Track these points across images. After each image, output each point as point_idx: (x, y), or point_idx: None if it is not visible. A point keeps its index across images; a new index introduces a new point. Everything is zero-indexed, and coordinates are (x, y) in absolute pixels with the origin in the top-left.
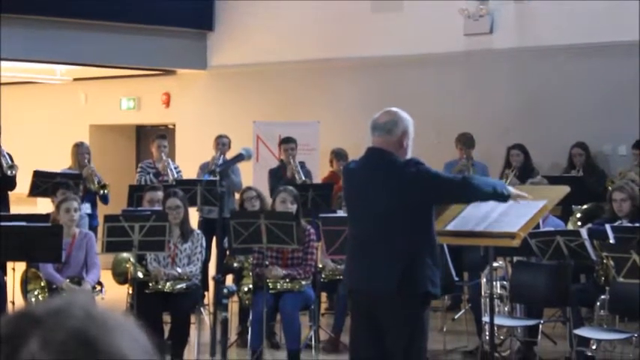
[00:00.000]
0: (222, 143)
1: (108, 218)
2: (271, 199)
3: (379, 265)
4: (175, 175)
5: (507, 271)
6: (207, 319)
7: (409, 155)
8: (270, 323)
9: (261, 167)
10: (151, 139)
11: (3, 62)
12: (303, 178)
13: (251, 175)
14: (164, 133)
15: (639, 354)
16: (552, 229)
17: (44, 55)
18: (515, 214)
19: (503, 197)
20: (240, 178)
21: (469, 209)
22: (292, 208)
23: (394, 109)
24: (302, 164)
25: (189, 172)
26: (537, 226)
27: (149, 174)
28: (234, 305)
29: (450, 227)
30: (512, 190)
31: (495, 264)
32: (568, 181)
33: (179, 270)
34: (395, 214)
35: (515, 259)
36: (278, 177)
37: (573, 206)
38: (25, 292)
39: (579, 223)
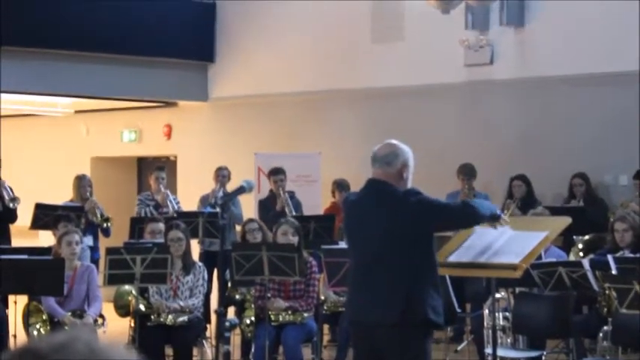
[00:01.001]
0: (222, 175)
1: (110, 251)
2: (269, 230)
3: (381, 295)
4: (175, 207)
5: (510, 302)
6: (209, 351)
7: (409, 187)
8: (272, 356)
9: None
10: (149, 171)
11: (4, 95)
12: (294, 212)
13: (252, 207)
14: (162, 165)
15: None
16: (554, 259)
17: (45, 87)
18: (516, 245)
19: (497, 218)
20: (240, 210)
21: (470, 240)
22: (294, 240)
23: (394, 141)
24: (292, 194)
25: (191, 204)
26: (539, 257)
27: (148, 206)
28: (236, 338)
29: (451, 259)
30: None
31: (498, 295)
32: (570, 212)
33: (181, 303)
34: (396, 245)
35: (517, 290)
36: (267, 208)
37: (575, 237)
38: (26, 325)
39: (581, 254)
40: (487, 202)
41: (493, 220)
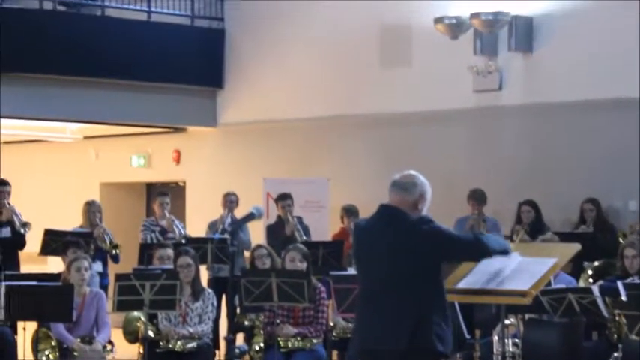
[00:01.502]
0: (230, 201)
1: (119, 277)
2: (277, 255)
3: (389, 324)
4: (182, 232)
5: (519, 328)
6: None
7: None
8: None
9: None
10: (153, 196)
11: (13, 120)
12: (304, 237)
13: (261, 233)
14: (166, 191)
15: None
16: (563, 286)
17: (54, 113)
18: (526, 271)
19: (506, 254)
20: (249, 236)
21: (480, 267)
22: (301, 266)
23: (415, 172)
24: (299, 219)
25: (200, 230)
26: (548, 283)
27: (153, 232)
28: None
29: (460, 285)
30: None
31: (507, 321)
32: (579, 238)
33: (190, 329)
34: (405, 272)
35: (527, 316)
36: (276, 234)
37: (584, 263)
38: (36, 351)
39: (590, 280)
40: (499, 238)
41: (503, 255)
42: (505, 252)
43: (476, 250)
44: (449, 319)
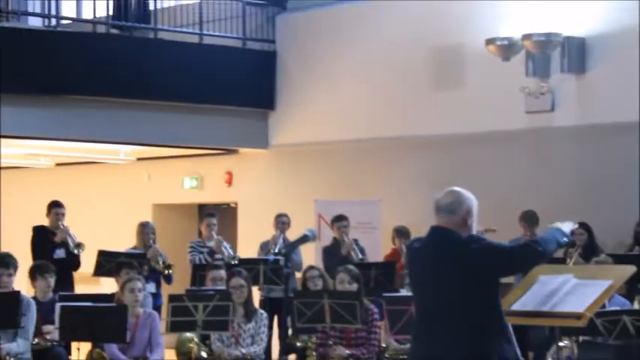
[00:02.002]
0: (282, 222)
1: (172, 298)
2: (329, 277)
3: (446, 344)
4: (230, 253)
5: (573, 350)
6: None
7: (473, 231)
8: None
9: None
10: (198, 217)
11: (68, 143)
12: (360, 256)
13: (313, 254)
14: (213, 212)
15: None
16: (618, 308)
17: (108, 135)
18: (580, 294)
19: (567, 243)
20: (300, 258)
21: (534, 289)
22: (351, 287)
23: (457, 188)
24: (355, 242)
25: (252, 251)
26: (603, 306)
27: (202, 253)
28: None
29: (514, 307)
30: (567, 230)
31: (561, 343)
32: (633, 260)
33: (243, 350)
34: (462, 293)
35: (581, 338)
36: (332, 255)
37: (639, 285)
38: None
39: None
40: (552, 233)
41: (562, 246)
42: (561, 244)
43: (531, 254)
44: (510, 336)
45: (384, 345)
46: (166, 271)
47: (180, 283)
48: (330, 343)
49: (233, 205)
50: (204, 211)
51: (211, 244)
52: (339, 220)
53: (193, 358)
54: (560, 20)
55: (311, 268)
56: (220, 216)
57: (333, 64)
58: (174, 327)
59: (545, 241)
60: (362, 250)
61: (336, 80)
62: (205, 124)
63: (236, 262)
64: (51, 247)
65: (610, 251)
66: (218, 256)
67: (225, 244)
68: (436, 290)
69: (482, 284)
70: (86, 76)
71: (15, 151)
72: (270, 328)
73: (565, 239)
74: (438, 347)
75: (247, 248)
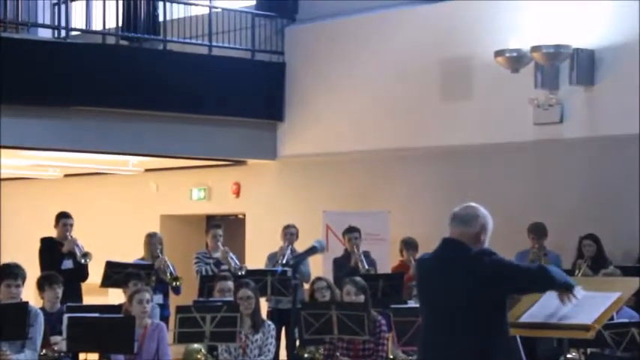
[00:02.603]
0: (290, 233)
1: (180, 309)
2: (339, 288)
3: (454, 356)
4: (237, 265)
5: None
6: None
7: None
8: None
9: (332, 257)
10: (205, 229)
11: (77, 154)
12: (367, 267)
13: (320, 266)
14: (219, 223)
15: None
16: (626, 320)
17: (117, 146)
18: (589, 305)
19: (570, 288)
20: (308, 269)
21: (542, 301)
22: (357, 299)
23: (475, 204)
24: (367, 254)
25: (259, 262)
26: (611, 318)
27: (208, 264)
28: None
29: (523, 319)
30: (576, 286)
31: (569, 355)
32: None
33: None
34: (470, 305)
35: (589, 350)
36: (342, 266)
37: None
38: None
39: None
40: (562, 272)
41: (567, 289)
42: (569, 286)
43: (540, 280)
44: (514, 348)
45: (391, 357)
46: (175, 283)
47: (188, 294)
48: (338, 354)
49: (241, 216)
50: (212, 222)
51: (217, 255)
52: (351, 231)
53: None
54: (570, 32)
55: (319, 279)
56: (228, 227)
57: (342, 76)
58: (181, 338)
59: (557, 274)
60: (372, 263)
61: (344, 92)
62: (213, 135)
63: (243, 272)
64: (59, 258)
65: (618, 263)
66: (224, 267)
67: (231, 254)
68: (445, 302)
69: (491, 298)
70: (96, 88)
71: (24, 162)
72: (278, 339)
73: (571, 285)
74: (446, 358)
75: (255, 259)
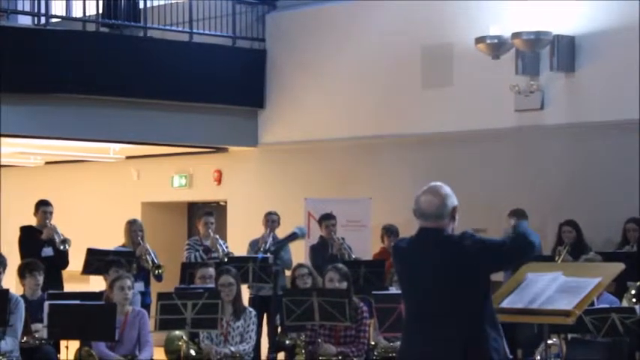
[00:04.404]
0: (271, 220)
1: (161, 296)
2: (321, 276)
3: (442, 341)
4: (225, 251)
5: (562, 348)
6: None
7: (457, 224)
8: None
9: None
10: (197, 216)
11: (56, 141)
12: (353, 256)
13: (302, 252)
14: (211, 210)
15: None
16: (607, 306)
17: (97, 134)
18: (569, 291)
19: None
20: (290, 255)
21: (523, 287)
22: (341, 286)
23: (435, 187)
24: (342, 239)
25: (241, 249)
26: (592, 303)
27: (197, 251)
28: None
29: (503, 304)
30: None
31: (550, 341)
32: (622, 257)
33: (232, 348)
34: (456, 290)
35: (569, 336)
36: (319, 253)
37: (628, 282)
38: None
39: (634, 300)
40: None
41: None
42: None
43: (522, 245)
44: (500, 330)
45: (373, 343)
46: (156, 272)
47: (170, 281)
48: (319, 340)
49: (222, 203)
50: (194, 209)
51: (208, 242)
52: (327, 218)
53: (182, 356)
54: (550, 19)
55: (300, 266)
56: None
57: (323, 63)
58: (163, 325)
59: (530, 234)
60: (349, 248)
61: (325, 79)
62: (195, 122)
63: (225, 259)
64: (39, 245)
65: (598, 249)
66: (214, 254)
67: (221, 242)
68: (430, 289)
69: (477, 279)
70: (75, 75)
71: (4, 149)
72: (260, 325)
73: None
74: (433, 345)
75: (237, 246)
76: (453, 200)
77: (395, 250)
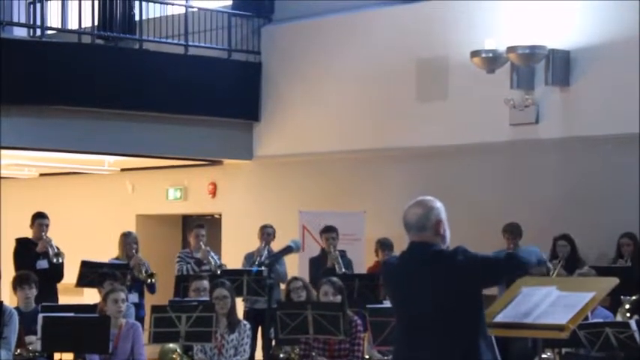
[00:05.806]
0: (266, 233)
1: (155, 309)
2: (314, 289)
3: (436, 356)
4: (217, 263)
5: None
6: None
7: (448, 239)
8: None
9: (307, 257)
10: (188, 228)
11: (52, 153)
12: (344, 269)
13: (296, 265)
14: (202, 223)
15: None
16: (601, 320)
17: (92, 146)
18: (564, 305)
19: (543, 263)
20: (284, 268)
21: (517, 301)
22: (335, 299)
23: (422, 199)
24: (343, 253)
25: (236, 262)
26: (586, 318)
27: (189, 263)
28: None
29: (498, 319)
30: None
31: (544, 355)
32: (617, 272)
33: None
34: (449, 306)
35: (563, 350)
36: (319, 266)
37: (622, 297)
38: None
39: (628, 315)
40: (532, 248)
41: (539, 265)
42: (541, 261)
43: (513, 268)
44: (492, 344)
45: (367, 356)
46: (149, 280)
47: (164, 293)
48: (313, 354)
49: (217, 216)
50: (189, 222)
51: (199, 254)
52: (328, 231)
53: None
54: (545, 33)
55: (295, 279)
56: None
57: (318, 76)
58: (157, 338)
59: (528, 253)
60: (349, 263)
61: (320, 92)
62: (190, 135)
63: (219, 272)
64: (34, 258)
65: (592, 263)
66: (205, 267)
67: (212, 254)
68: (422, 305)
69: (469, 294)
70: (71, 87)
71: None
72: (254, 339)
73: (543, 258)
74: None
75: (232, 259)
76: (439, 214)
77: (385, 267)
